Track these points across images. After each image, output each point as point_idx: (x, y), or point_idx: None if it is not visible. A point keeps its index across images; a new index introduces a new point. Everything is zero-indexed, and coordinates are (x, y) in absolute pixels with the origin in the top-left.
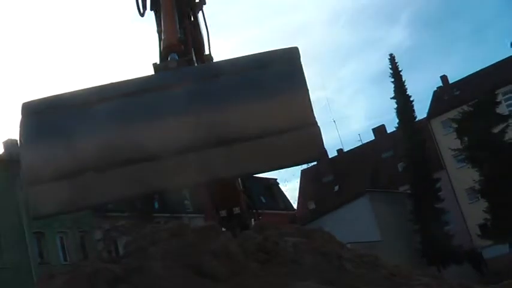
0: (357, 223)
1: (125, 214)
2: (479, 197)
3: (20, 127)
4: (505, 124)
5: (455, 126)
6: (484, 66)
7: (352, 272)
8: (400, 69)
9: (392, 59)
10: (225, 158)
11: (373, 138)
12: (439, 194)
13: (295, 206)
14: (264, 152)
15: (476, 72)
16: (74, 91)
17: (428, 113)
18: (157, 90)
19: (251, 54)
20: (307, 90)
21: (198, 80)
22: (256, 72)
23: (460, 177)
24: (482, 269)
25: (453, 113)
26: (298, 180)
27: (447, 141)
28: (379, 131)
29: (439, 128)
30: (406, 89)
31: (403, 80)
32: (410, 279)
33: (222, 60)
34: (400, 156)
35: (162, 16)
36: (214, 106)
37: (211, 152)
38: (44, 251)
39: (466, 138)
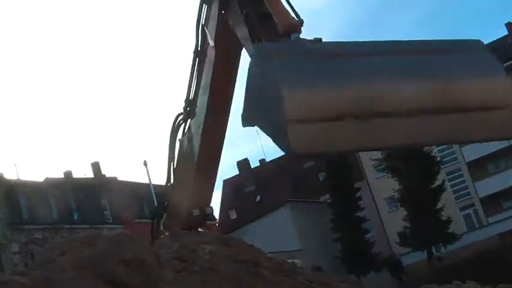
0: (278, 233)
1: (41, 226)
2: (399, 206)
3: (278, 66)
4: None
5: None
6: None
7: (270, 279)
8: None
9: None
10: (451, 124)
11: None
12: (359, 203)
13: (217, 215)
14: (475, 125)
15: None
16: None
17: None
18: (402, 55)
19: (443, 40)
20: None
21: (425, 52)
22: (463, 55)
23: (380, 187)
24: (401, 275)
25: None
26: (221, 189)
27: (368, 152)
28: None
29: None
30: None
31: None
32: (328, 286)
33: (422, 41)
34: (321, 166)
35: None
36: (446, 77)
37: (441, 118)
38: None
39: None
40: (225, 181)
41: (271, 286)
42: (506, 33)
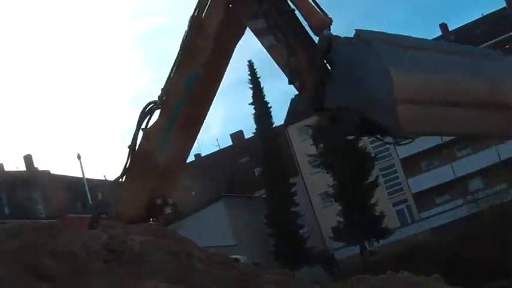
0: (213, 228)
1: None
2: (333, 201)
3: (381, 51)
4: None
5: (312, 133)
6: None
7: (202, 271)
8: (258, 76)
9: (251, 66)
10: (502, 120)
11: (231, 143)
12: (294, 198)
13: None
14: None
15: None
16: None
17: (286, 120)
18: (459, 55)
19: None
20: None
21: (479, 55)
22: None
23: (315, 183)
24: (334, 269)
25: (310, 121)
26: None
27: (303, 148)
28: (237, 136)
29: (295, 135)
30: (264, 95)
31: (262, 86)
32: (260, 278)
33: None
34: (256, 161)
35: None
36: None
37: (495, 114)
38: None
39: (321, 145)
40: None
41: (204, 277)
42: (505, 5)
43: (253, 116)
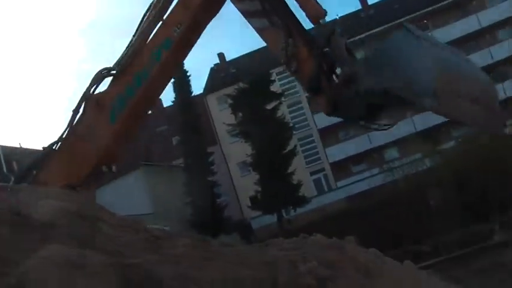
0: (131, 196)
1: None
2: (251, 170)
3: (427, 47)
4: (277, 102)
5: (231, 102)
6: (260, 47)
7: (110, 234)
8: None
9: None
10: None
11: (149, 112)
12: (212, 167)
13: None
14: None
15: (252, 51)
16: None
17: (205, 89)
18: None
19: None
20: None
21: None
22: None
23: (233, 152)
24: (250, 238)
25: (229, 90)
26: None
27: (222, 117)
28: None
29: (214, 104)
30: (183, 64)
31: None
32: (172, 241)
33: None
34: (174, 130)
35: None
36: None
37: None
38: None
39: (240, 114)
40: None
41: (110, 240)
42: (360, 7)
43: (171, 84)
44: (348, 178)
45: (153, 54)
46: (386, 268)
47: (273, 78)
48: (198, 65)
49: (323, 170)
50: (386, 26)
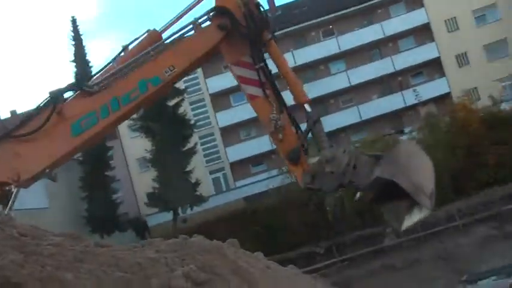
0: (25, 189)
1: None
2: (150, 166)
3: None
4: (180, 98)
5: None
6: None
7: None
8: (81, 33)
9: (74, 22)
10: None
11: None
12: (111, 162)
13: None
14: None
15: None
16: None
17: None
18: None
19: None
20: None
21: None
22: None
23: (133, 147)
24: (146, 235)
25: None
26: None
27: None
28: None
29: None
30: (86, 54)
31: (84, 45)
32: (41, 239)
33: None
34: None
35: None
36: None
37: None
38: None
39: (141, 109)
40: None
41: None
42: (267, 7)
43: (73, 75)
44: (247, 178)
45: (139, 84)
46: (268, 273)
47: None
48: (101, 56)
49: (223, 169)
50: (292, 28)
